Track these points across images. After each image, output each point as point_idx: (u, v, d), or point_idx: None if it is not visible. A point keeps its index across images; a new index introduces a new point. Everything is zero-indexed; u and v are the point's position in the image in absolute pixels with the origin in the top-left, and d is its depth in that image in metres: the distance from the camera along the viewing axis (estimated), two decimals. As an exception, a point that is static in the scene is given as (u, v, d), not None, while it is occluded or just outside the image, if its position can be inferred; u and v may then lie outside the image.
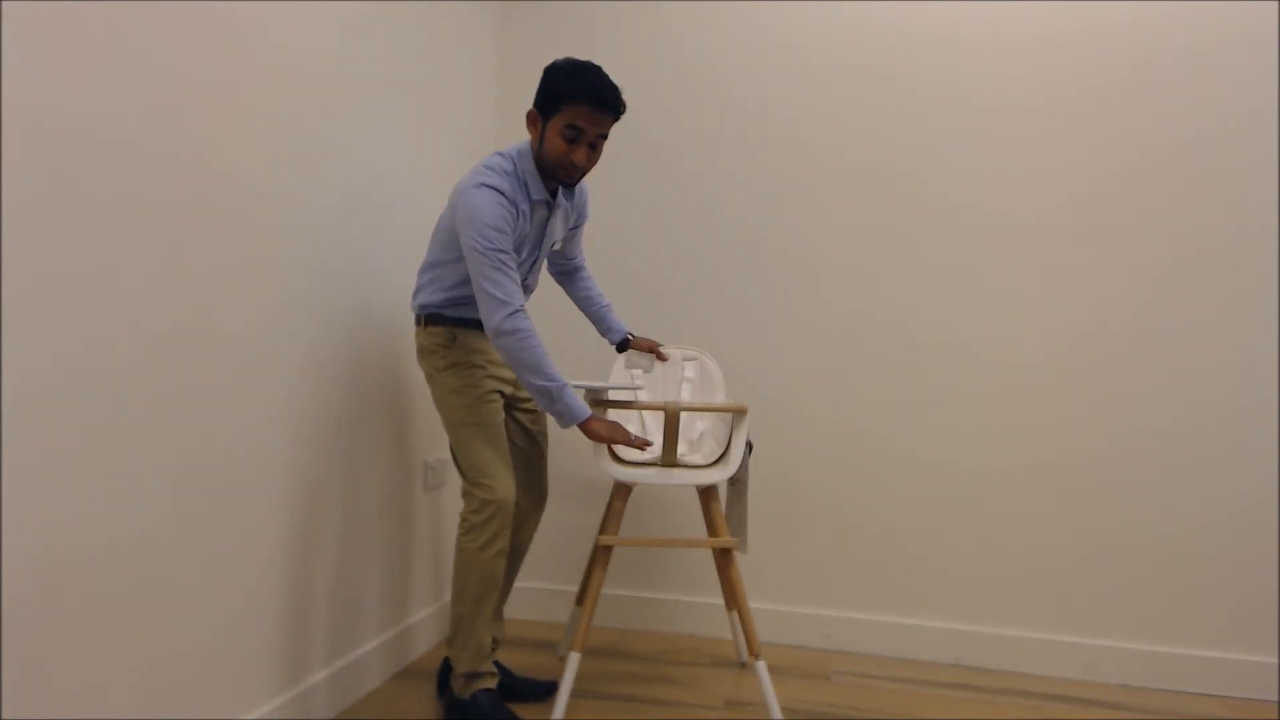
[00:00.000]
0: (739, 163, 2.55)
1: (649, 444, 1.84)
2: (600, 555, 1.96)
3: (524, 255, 1.90)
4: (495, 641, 2.09)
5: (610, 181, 2.65)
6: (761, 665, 1.92)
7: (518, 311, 1.73)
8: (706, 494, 2.01)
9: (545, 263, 2.09)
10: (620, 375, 2.24)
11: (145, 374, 1.41)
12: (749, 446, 2.31)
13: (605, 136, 1.83)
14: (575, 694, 2.12)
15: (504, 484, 1.87)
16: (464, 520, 1.89)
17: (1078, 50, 2.33)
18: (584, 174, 1.86)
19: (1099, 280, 2.32)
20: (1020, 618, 2.38)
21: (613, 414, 2.16)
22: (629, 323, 2.60)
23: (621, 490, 2.01)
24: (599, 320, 2.22)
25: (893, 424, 2.46)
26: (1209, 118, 2.25)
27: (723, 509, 2.09)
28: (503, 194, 1.75)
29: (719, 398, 2.21)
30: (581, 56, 2.63)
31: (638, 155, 2.62)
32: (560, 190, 1.92)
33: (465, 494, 1.90)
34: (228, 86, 1.57)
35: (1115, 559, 2.32)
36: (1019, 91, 2.36)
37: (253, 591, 1.69)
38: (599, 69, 1.79)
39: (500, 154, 1.84)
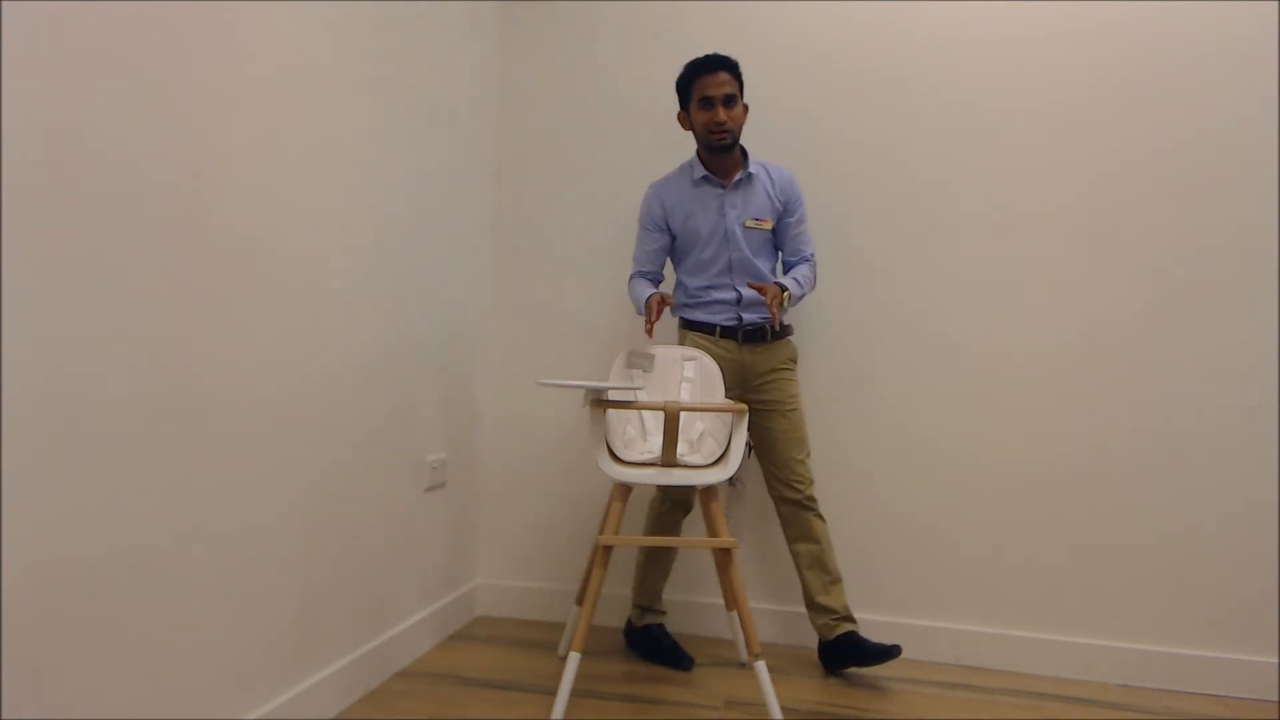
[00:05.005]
0: (739, 163, 2.54)
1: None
2: (600, 555, 1.96)
3: (705, 232, 2.24)
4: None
5: (612, 181, 2.65)
6: (761, 665, 1.92)
7: (635, 274, 2.34)
8: (706, 494, 2.01)
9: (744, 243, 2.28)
10: (620, 375, 2.24)
11: (145, 375, 1.41)
12: (748, 447, 2.31)
13: (735, 96, 2.17)
14: (575, 694, 2.12)
15: None
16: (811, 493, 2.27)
17: (1079, 51, 2.33)
18: (731, 133, 2.18)
19: (1100, 279, 2.32)
20: (1020, 618, 2.38)
21: (612, 415, 2.16)
22: (626, 322, 2.60)
23: (621, 490, 2.02)
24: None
25: (892, 424, 2.46)
26: (1210, 118, 2.25)
27: (722, 509, 2.09)
28: (654, 190, 2.29)
29: (719, 398, 2.21)
30: (582, 57, 2.66)
31: (640, 155, 2.62)
32: (741, 174, 2.25)
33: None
34: (228, 87, 1.57)
35: (1115, 559, 2.32)
36: (1021, 92, 2.37)
37: (253, 591, 1.69)
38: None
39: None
